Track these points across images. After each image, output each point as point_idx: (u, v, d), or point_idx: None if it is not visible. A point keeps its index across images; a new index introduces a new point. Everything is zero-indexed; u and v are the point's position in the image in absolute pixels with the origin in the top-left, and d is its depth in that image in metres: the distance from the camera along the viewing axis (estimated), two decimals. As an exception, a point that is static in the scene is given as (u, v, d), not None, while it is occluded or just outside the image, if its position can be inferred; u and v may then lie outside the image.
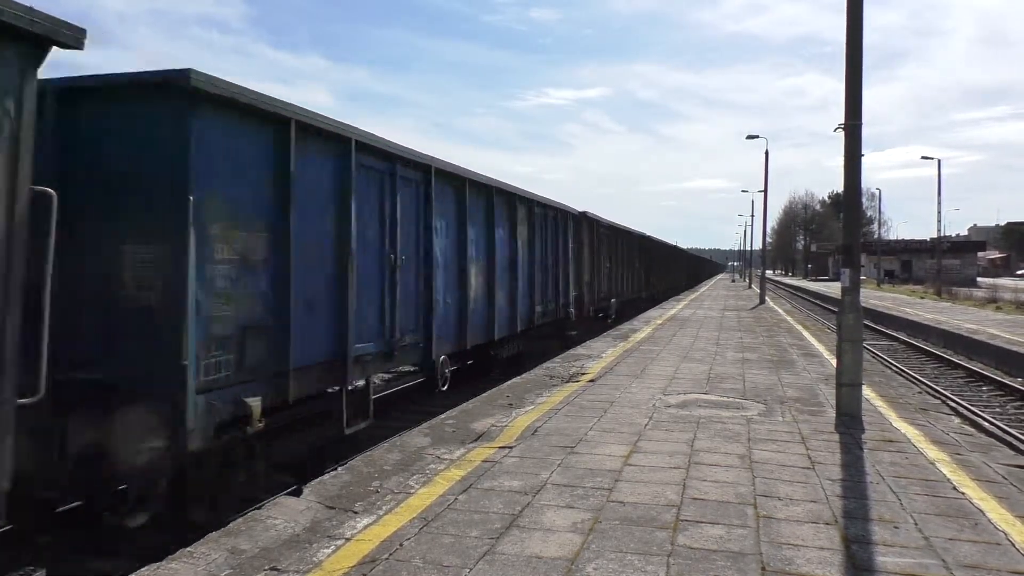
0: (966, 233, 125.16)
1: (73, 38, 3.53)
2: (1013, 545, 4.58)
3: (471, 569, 4.06)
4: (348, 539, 4.52)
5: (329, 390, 7.20)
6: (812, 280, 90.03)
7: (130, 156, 5.28)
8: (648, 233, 34.43)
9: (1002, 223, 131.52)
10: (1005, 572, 4.19)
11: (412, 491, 5.45)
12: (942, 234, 56.49)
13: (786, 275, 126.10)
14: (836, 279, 42.87)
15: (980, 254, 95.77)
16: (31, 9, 3.29)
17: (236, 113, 5.75)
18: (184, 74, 5.14)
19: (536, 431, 7.38)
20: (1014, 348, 17.36)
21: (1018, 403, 13.20)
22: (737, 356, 14.04)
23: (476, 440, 7.03)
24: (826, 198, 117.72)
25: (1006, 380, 14.97)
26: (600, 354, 14.03)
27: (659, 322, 22.42)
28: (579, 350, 14.86)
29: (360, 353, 7.52)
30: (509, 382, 10.72)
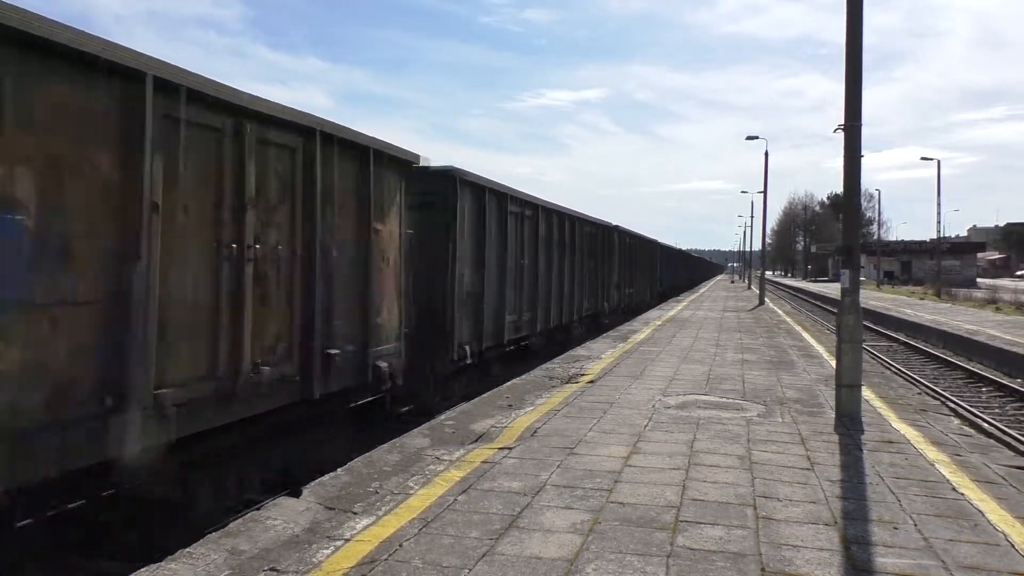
0: (965, 234, 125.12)
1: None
2: (1013, 546, 4.58)
3: (470, 570, 4.06)
4: (347, 540, 4.52)
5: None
6: (812, 281, 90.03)
7: None
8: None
9: (1001, 224, 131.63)
10: (1005, 573, 4.19)
11: (412, 492, 5.45)
12: (941, 235, 56.51)
13: (786, 276, 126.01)
14: (836, 280, 42.87)
15: (980, 255, 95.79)
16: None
17: None
18: None
19: (536, 432, 7.38)
20: (1013, 349, 17.36)
21: (1017, 404, 13.20)
22: (737, 357, 14.04)
23: (476, 441, 7.03)
24: (825, 199, 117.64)
25: (1005, 381, 14.98)
26: (600, 355, 14.03)
27: (658, 323, 22.43)
28: (579, 351, 14.86)
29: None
30: (509, 383, 10.72)
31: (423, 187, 9.21)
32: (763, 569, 4.14)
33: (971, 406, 12.54)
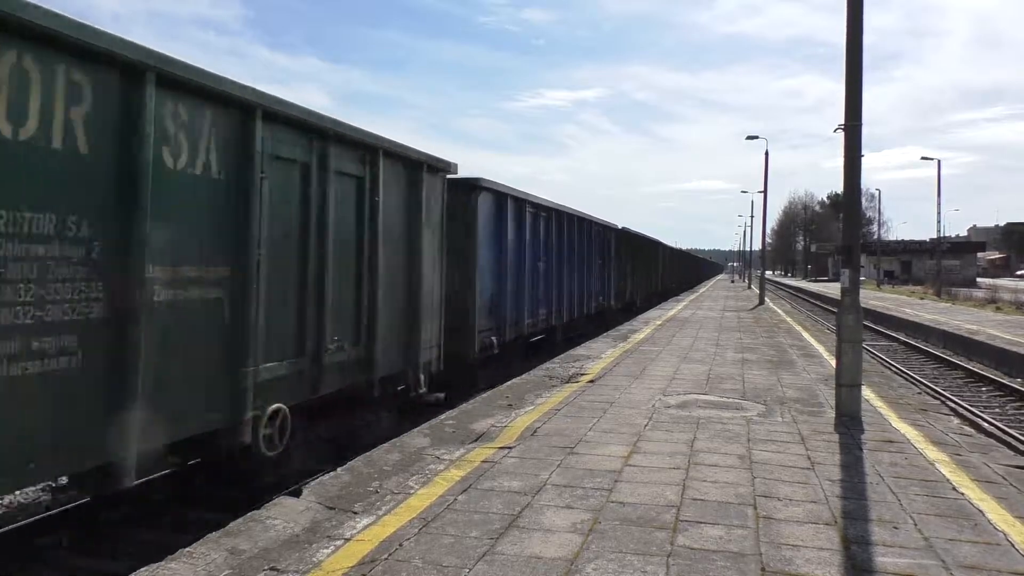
0: (965, 234, 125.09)
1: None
2: (1013, 545, 4.58)
3: (470, 569, 4.06)
4: (347, 539, 4.52)
5: None
6: (812, 281, 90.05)
7: None
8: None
9: (1001, 224, 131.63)
10: (1005, 573, 4.19)
11: (412, 491, 5.45)
12: (942, 235, 56.50)
13: (786, 276, 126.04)
14: (836, 280, 42.82)
15: (980, 255, 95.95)
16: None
17: None
18: None
19: (536, 431, 7.37)
20: (1014, 349, 17.36)
21: (1017, 403, 13.20)
22: (737, 356, 14.04)
23: (476, 440, 7.03)
24: (825, 199, 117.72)
25: (1005, 380, 14.98)
26: (600, 355, 14.03)
27: (659, 323, 22.43)
28: (579, 350, 14.85)
29: None
30: (509, 383, 10.71)
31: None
32: (763, 569, 4.14)
33: (971, 406, 12.54)
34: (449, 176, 9.61)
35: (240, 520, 4.90)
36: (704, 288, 61.33)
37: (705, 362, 13.14)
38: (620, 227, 25.05)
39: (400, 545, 4.39)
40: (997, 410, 12.73)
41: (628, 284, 26.56)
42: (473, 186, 11.22)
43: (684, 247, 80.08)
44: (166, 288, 4.97)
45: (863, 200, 34.55)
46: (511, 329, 12.66)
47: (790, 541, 4.55)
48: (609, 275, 22.66)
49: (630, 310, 27.02)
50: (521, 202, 13.43)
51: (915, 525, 4.90)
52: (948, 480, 5.97)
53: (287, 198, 6.23)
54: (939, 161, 50.68)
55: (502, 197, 12.44)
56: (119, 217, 4.59)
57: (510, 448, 6.70)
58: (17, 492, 5.59)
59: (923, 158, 55.04)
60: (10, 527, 5.37)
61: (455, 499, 5.25)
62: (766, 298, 37.15)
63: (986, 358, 18.14)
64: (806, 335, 19.25)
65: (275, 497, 5.59)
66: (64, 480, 5.10)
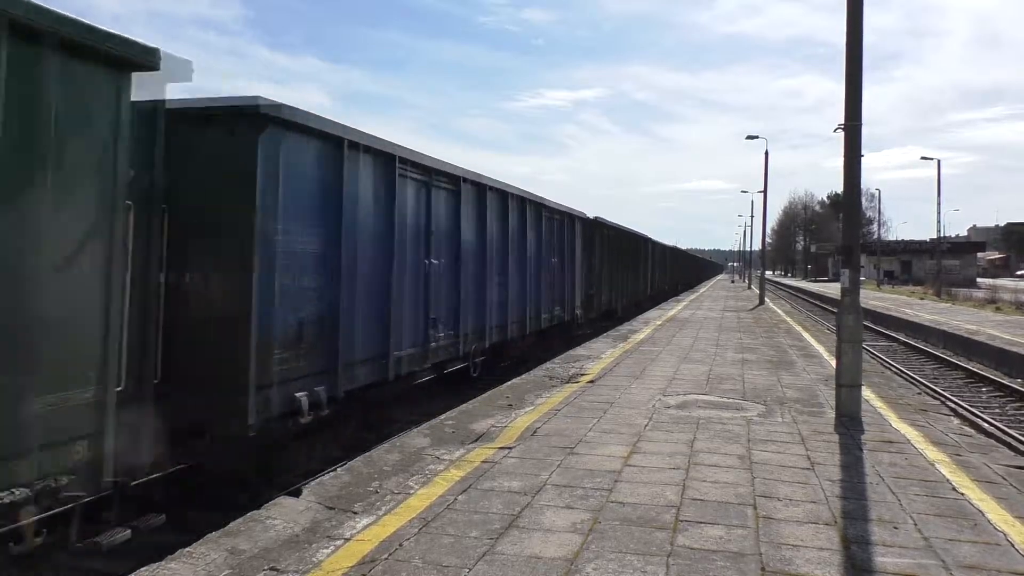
0: (965, 234, 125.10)
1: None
2: (1013, 545, 4.58)
3: (470, 569, 4.06)
4: (347, 539, 4.52)
5: None
6: (812, 281, 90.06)
7: None
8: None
9: (1001, 224, 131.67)
10: (1005, 573, 4.19)
11: (412, 491, 5.45)
12: (942, 235, 56.50)
13: (786, 276, 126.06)
14: (836, 280, 42.77)
15: (980, 255, 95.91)
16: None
17: None
18: None
19: (536, 432, 7.37)
20: (1013, 349, 17.36)
21: (1017, 404, 13.20)
22: (737, 357, 14.04)
23: (476, 441, 7.03)
24: (825, 199, 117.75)
25: (1005, 381, 14.98)
26: (600, 355, 14.03)
27: (658, 323, 22.43)
28: (579, 351, 14.86)
29: None
30: (509, 383, 10.71)
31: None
32: (763, 569, 4.14)
33: (971, 406, 12.54)
34: (211, 103, 5.71)
35: (240, 520, 4.90)
36: (704, 288, 61.34)
37: (705, 362, 13.14)
38: (592, 217, 19.56)
39: (400, 545, 4.39)
40: (997, 410, 12.72)
41: (604, 289, 21.20)
42: (252, 114, 5.77)
43: (684, 247, 79.92)
44: None
45: (863, 200, 34.53)
46: (364, 369, 7.59)
47: (790, 541, 4.56)
48: (573, 278, 17.34)
49: (608, 320, 21.97)
50: (385, 158, 7.93)
51: (915, 525, 4.90)
52: (948, 480, 5.97)
53: None
54: (939, 161, 50.71)
55: (336, 144, 6.94)
56: None
57: (510, 448, 6.70)
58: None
59: (923, 158, 55.04)
60: (8, 528, 5.35)
61: (455, 499, 5.25)
62: (766, 298, 37.16)
63: (986, 358, 18.13)
64: (806, 335, 19.25)
65: (275, 497, 5.59)
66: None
